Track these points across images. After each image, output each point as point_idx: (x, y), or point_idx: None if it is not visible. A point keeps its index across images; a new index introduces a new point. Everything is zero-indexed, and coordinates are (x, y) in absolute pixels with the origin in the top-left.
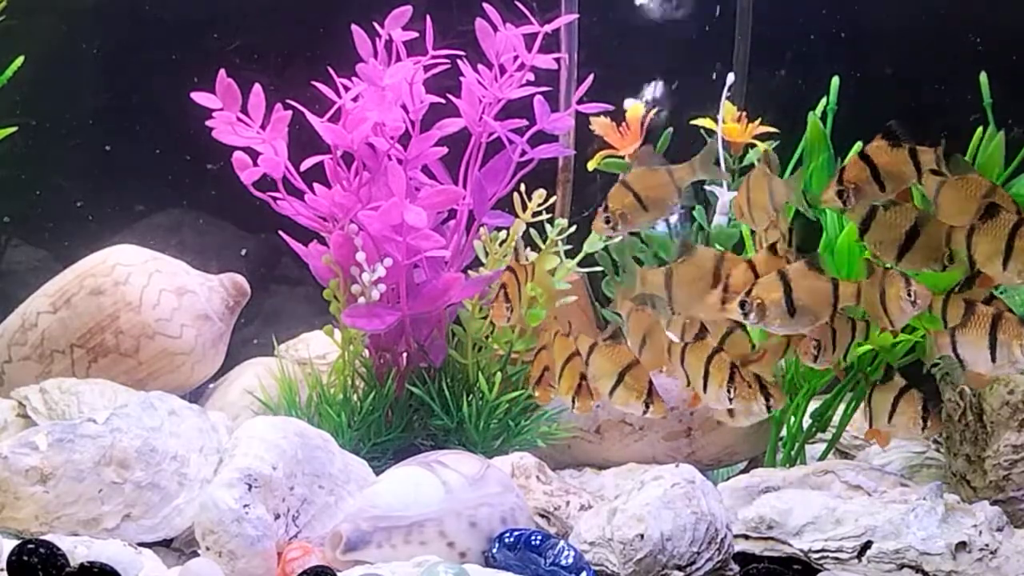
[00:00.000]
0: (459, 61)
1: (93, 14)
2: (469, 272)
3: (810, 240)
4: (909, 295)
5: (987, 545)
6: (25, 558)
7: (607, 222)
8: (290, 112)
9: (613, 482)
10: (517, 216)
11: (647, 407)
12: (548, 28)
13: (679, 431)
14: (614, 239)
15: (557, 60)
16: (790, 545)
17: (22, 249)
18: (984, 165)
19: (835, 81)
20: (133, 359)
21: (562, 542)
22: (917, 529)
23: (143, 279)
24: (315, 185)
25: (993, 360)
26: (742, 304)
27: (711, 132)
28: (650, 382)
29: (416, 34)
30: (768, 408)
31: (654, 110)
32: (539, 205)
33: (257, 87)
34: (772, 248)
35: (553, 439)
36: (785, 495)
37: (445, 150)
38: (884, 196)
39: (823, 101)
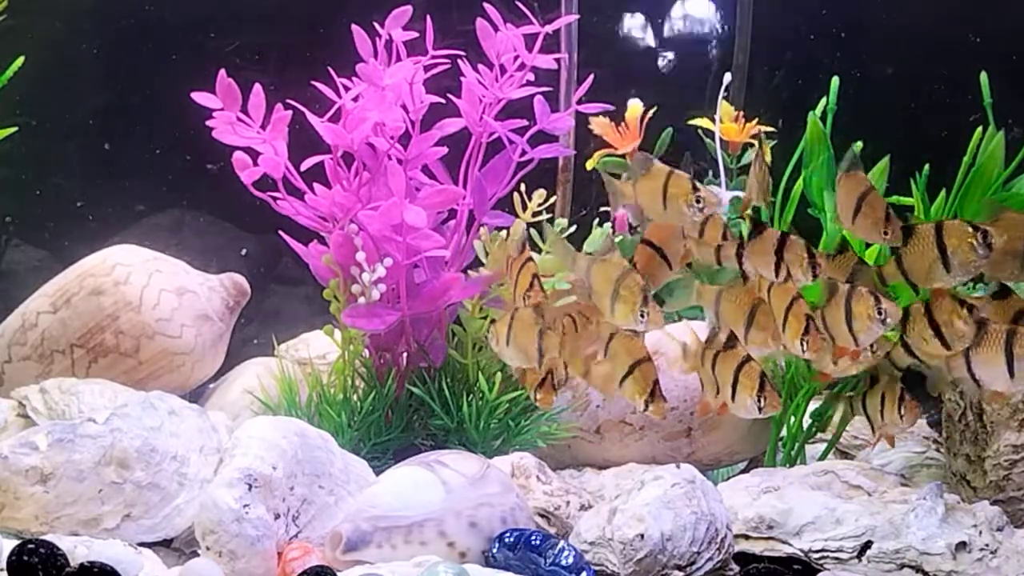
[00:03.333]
0: (459, 61)
1: (93, 14)
2: (469, 272)
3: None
4: (880, 313)
5: (987, 545)
6: (25, 558)
7: None
8: (290, 112)
9: (613, 482)
10: (517, 216)
11: (647, 405)
12: (548, 28)
13: (679, 431)
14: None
15: (557, 60)
16: (790, 545)
17: (22, 249)
18: (984, 165)
19: (835, 81)
20: (133, 359)
21: (562, 542)
22: (917, 529)
23: (143, 279)
24: (315, 185)
25: (1012, 376)
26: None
27: (709, 132)
28: (655, 382)
29: (416, 34)
30: (759, 409)
31: (653, 109)
32: (539, 205)
33: (257, 87)
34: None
35: (553, 439)
36: (785, 495)
37: (445, 150)
38: None
39: (823, 101)
